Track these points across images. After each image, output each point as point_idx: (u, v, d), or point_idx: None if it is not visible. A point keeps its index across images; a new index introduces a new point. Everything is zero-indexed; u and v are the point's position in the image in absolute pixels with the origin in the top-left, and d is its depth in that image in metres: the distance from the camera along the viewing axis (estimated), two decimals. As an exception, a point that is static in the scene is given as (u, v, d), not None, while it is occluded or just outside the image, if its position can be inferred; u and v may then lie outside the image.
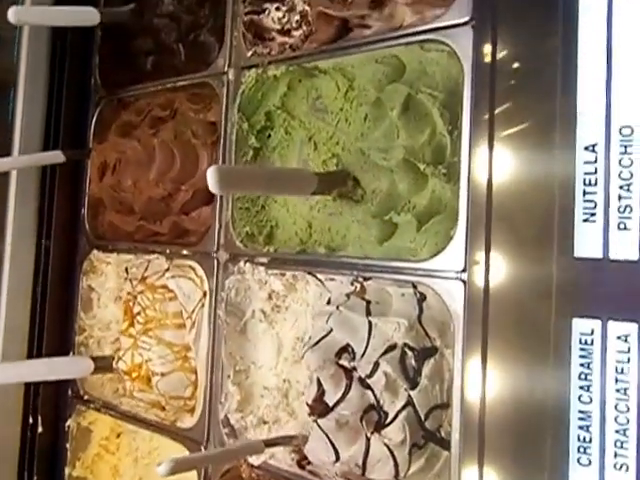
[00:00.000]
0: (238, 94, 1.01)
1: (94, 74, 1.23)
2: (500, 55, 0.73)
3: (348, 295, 0.82)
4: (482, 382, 0.68)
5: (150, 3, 1.14)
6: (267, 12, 1.03)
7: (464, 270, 0.72)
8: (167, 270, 1.01)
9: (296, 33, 1.00)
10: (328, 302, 0.84)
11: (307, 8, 0.95)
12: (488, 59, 0.74)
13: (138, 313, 0.98)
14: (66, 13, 1.11)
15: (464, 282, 0.72)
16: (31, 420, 1.16)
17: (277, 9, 1.02)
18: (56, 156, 1.14)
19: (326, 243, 0.89)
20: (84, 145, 1.20)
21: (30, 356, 1.16)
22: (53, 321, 1.18)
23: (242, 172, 0.80)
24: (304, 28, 0.98)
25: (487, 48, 0.74)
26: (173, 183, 1.03)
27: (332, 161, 0.93)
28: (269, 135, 1.02)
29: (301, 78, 0.98)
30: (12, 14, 1.05)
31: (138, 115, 1.12)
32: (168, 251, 1.05)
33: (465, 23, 0.77)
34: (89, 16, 1.12)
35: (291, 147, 1.00)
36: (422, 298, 0.77)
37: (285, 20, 1.01)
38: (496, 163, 0.71)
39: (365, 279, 0.82)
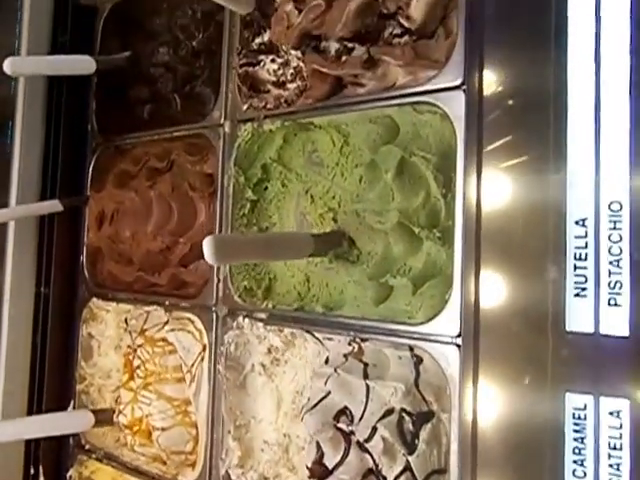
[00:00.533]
0: (234, 148, 1.01)
1: (91, 120, 1.24)
2: (491, 119, 0.74)
3: (346, 356, 0.83)
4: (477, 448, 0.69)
5: (146, 52, 1.15)
6: (262, 64, 1.04)
7: (459, 335, 0.74)
8: (166, 323, 1.02)
9: (291, 86, 1.01)
10: (326, 361, 0.85)
11: (301, 64, 0.97)
12: (479, 123, 0.75)
13: (138, 367, 0.99)
14: (62, 62, 1.12)
15: (459, 347, 0.74)
16: (32, 470, 1.16)
17: (272, 61, 1.03)
18: (54, 205, 1.15)
19: (324, 301, 0.90)
20: (81, 191, 1.21)
21: (31, 404, 1.17)
22: (53, 369, 1.18)
23: (238, 241, 0.81)
24: (299, 82, 1.00)
25: (479, 111, 0.75)
26: (171, 236, 1.04)
27: (329, 215, 0.95)
28: (266, 187, 1.04)
29: (297, 132, 0.99)
30: (8, 65, 1.05)
31: (135, 164, 1.13)
32: (167, 303, 1.06)
33: (457, 87, 0.78)
34: (85, 65, 1.13)
35: (288, 199, 1.02)
36: (419, 361, 0.78)
37: (280, 72, 1.02)
38: (489, 227, 0.72)
39: (362, 340, 0.83)
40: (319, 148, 0.98)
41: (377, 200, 0.86)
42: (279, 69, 1.03)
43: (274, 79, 1.03)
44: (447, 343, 0.74)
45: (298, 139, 1.00)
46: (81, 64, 1.11)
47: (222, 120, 1.03)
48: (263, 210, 1.03)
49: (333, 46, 0.91)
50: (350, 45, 0.89)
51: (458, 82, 0.78)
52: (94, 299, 1.19)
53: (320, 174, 0.98)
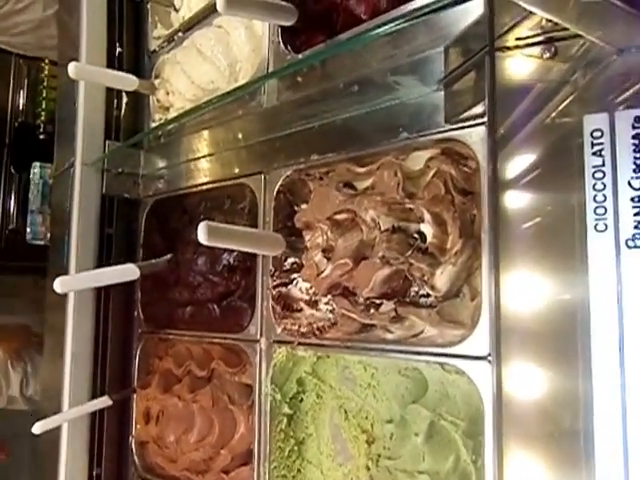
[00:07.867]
0: (270, 366, 1.06)
1: (137, 308, 1.30)
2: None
3: None
4: None
5: (186, 257, 1.21)
6: (295, 282, 1.09)
7: None
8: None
9: (323, 307, 1.05)
10: None
11: (331, 301, 1.00)
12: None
13: None
14: (108, 274, 1.18)
15: None
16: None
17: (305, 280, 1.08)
18: (104, 402, 1.21)
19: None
20: (129, 381, 1.28)
21: None
22: None
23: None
24: (329, 307, 1.04)
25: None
26: (213, 448, 1.09)
27: (362, 437, 0.98)
28: (301, 399, 1.08)
29: (329, 355, 1.03)
30: (58, 285, 1.13)
31: (178, 366, 1.18)
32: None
33: (483, 357, 0.80)
34: (129, 272, 1.18)
35: (323, 410, 1.06)
36: None
37: (312, 291, 1.07)
38: None
39: None
40: (351, 366, 1.02)
41: (408, 459, 0.88)
42: (311, 287, 1.07)
43: (307, 297, 1.07)
44: None
45: (332, 357, 1.04)
46: (125, 272, 1.17)
47: (258, 336, 1.08)
48: (300, 422, 1.08)
49: (362, 296, 0.94)
50: (378, 302, 0.92)
51: (484, 352, 0.79)
52: (143, 483, 1.26)
53: (353, 391, 1.01)
